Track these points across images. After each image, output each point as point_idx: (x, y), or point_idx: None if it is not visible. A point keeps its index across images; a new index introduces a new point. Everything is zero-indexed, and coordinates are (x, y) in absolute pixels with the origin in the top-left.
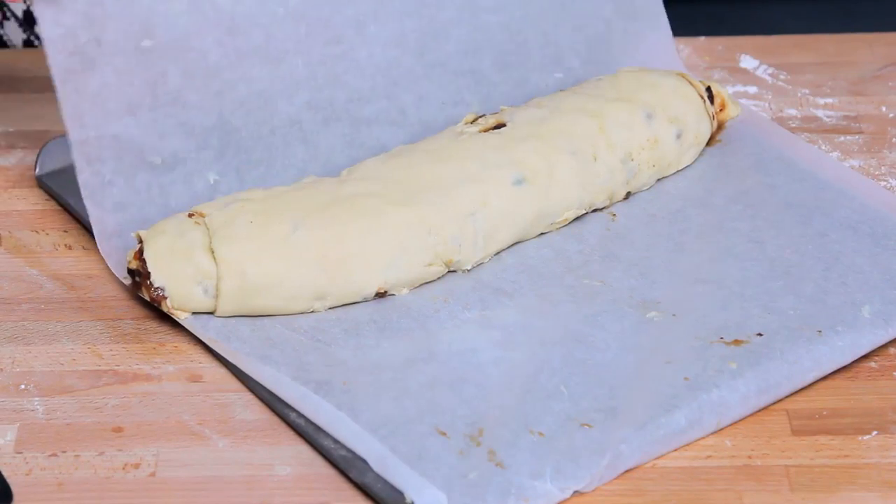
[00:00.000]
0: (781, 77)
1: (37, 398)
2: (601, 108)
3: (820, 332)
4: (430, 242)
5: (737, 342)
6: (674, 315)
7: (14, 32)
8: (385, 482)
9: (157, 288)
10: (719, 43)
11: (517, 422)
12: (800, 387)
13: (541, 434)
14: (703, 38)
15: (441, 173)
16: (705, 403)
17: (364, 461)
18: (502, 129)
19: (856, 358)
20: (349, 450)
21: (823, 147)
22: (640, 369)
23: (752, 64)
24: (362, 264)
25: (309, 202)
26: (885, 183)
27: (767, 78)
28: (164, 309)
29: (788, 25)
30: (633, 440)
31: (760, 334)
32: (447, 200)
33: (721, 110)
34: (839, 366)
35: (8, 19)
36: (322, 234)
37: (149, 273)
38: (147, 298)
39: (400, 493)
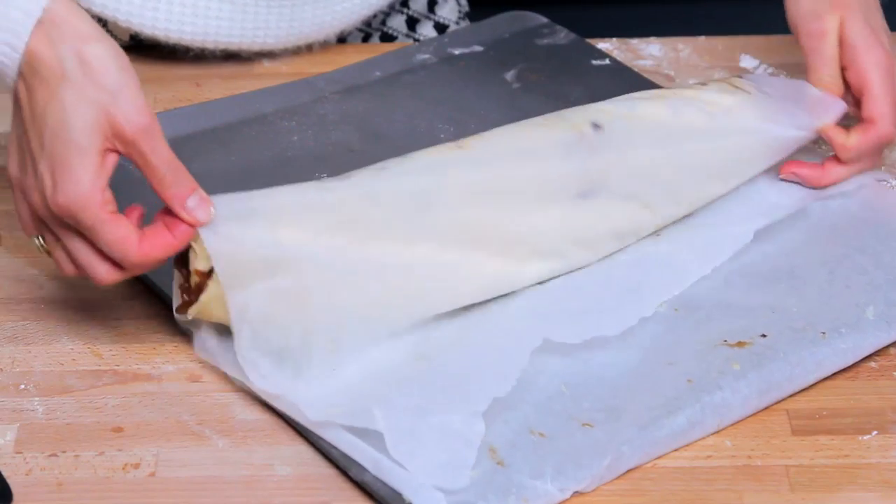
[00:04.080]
0: (781, 77)
1: (37, 398)
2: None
3: (824, 333)
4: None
5: (740, 344)
6: (676, 310)
7: None
8: (384, 481)
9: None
10: (719, 43)
11: (518, 421)
12: (801, 388)
13: (541, 434)
14: (703, 38)
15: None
16: (708, 405)
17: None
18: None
19: (858, 360)
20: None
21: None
22: (642, 369)
23: (752, 64)
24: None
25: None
26: (885, 183)
27: None
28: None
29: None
30: (635, 441)
31: (764, 335)
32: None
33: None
34: (842, 367)
35: None
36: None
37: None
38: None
39: (398, 492)
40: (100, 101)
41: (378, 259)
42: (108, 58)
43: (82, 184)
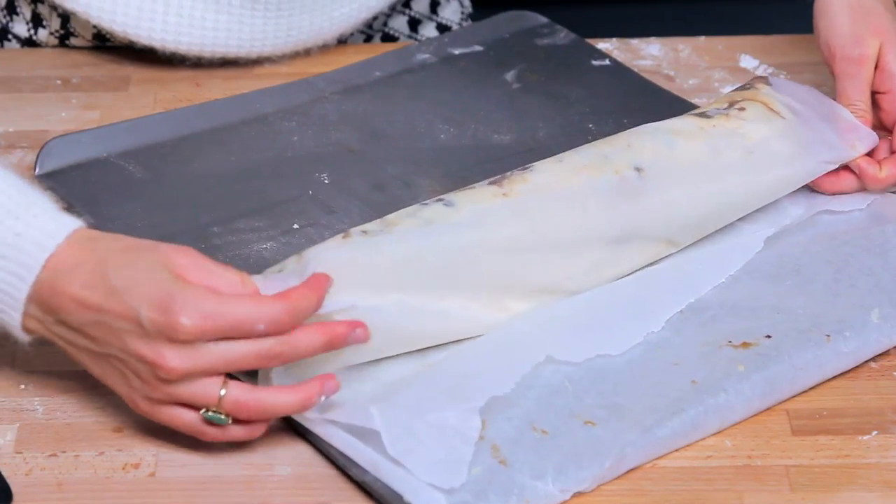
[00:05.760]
0: (781, 77)
1: (37, 398)
2: None
3: (828, 336)
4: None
5: (745, 345)
6: (681, 312)
7: (20, 29)
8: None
9: None
10: (719, 43)
11: (520, 417)
12: (803, 390)
13: (544, 432)
14: (703, 38)
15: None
16: (711, 407)
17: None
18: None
19: (862, 362)
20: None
21: None
22: (646, 367)
23: (752, 64)
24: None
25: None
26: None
27: None
28: None
29: (788, 25)
30: (638, 442)
31: (769, 336)
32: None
33: None
34: (845, 370)
35: (18, 14)
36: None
37: None
38: None
39: (399, 494)
40: (147, 251)
41: (414, 306)
42: (123, 236)
43: (188, 293)
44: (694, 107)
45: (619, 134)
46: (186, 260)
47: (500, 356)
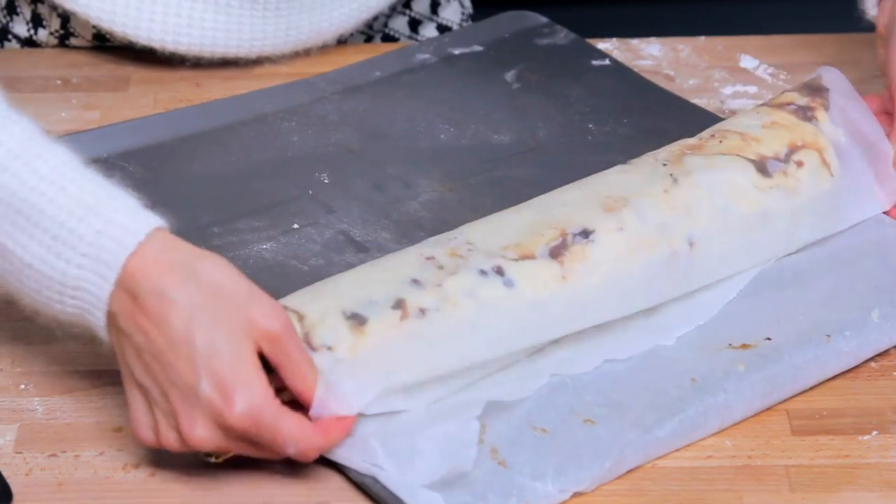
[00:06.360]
0: (781, 77)
1: (37, 398)
2: None
3: (828, 336)
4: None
5: (745, 346)
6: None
7: (20, 29)
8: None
9: None
10: (719, 43)
11: (520, 417)
12: (804, 389)
13: (543, 430)
14: (703, 38)
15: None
16: (711, 407)
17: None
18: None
19: (862, 361)
20: None
21: None
22: (646, 363)
23: (752, 64)
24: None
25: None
26: None
27: (767, 78)
28: None
29: (788, 25)
30: (637, 443)
31: (769, 338)
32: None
33: None
34: (845, 369)
35: (18, 14)
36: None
37: None
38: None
39: (398, 497)
40: (239, 309)
41: (450, 384)
42: (223, 267)
43: (255, 389)
44: (694, 107)
45: (682, 185)
46: (279, 329)
47: (504, 381)
